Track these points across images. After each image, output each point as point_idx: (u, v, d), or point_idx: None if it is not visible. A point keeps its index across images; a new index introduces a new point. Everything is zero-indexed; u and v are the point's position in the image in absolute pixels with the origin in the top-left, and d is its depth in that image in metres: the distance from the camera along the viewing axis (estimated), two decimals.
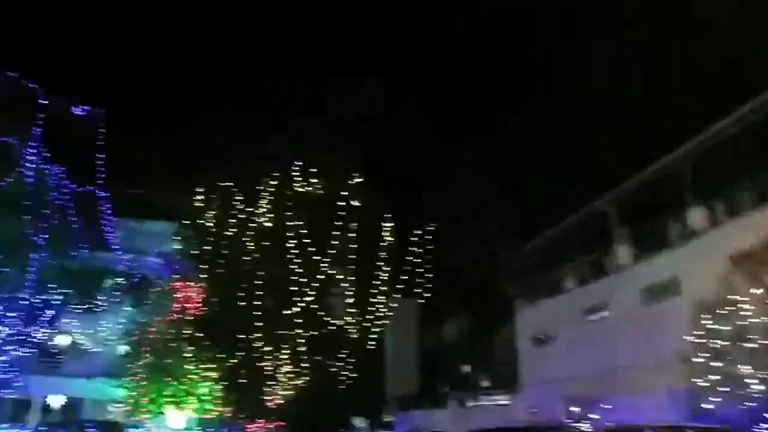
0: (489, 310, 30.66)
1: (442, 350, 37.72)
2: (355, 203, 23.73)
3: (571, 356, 22.83)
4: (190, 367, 27.12)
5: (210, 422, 29.13)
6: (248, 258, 23.39)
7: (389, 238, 24.41)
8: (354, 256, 23.34)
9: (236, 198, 24.43)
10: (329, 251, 23.17)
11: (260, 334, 22.69)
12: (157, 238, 33.17)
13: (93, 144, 31.14)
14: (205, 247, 24.70)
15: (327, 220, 23.18)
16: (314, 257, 22.98)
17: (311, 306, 23.19)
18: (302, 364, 23.59)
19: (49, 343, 31.22)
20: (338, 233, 23.25)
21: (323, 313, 23.53)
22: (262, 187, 23.91)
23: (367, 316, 24.26)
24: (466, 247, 30.82)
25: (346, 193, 23.55)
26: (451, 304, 33.52)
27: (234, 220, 23.92)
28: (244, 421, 27.59)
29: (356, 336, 24.23)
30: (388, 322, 25.46)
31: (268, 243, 23.16)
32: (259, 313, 22.57)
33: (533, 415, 24.92)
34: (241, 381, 23.54)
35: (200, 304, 25.73)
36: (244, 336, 22.86)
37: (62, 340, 32.66)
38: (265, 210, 23.88)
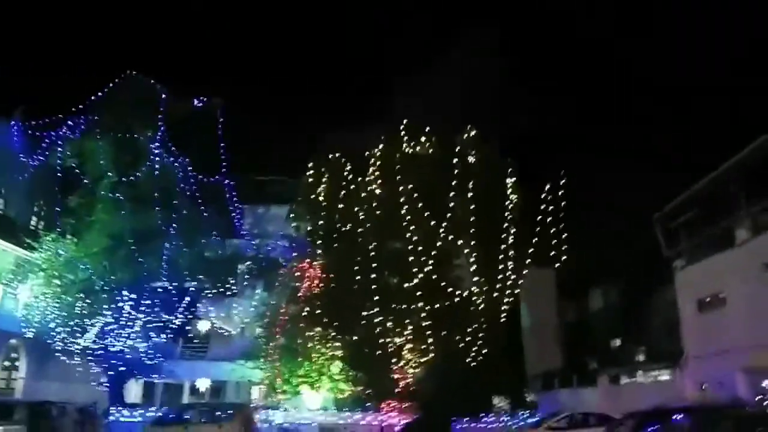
0: (641, 273, 25.62)
1: (587, 322, 33.10)
2: (472, 159, 20.45)
3: (752, 319, 17.92)
4: (318, 347, 25.66)
5: (345, 402, 27.48)
6: (362, 229, 21.05)
7: (514, 196, 20.89)
8: (475, 219, 20.10)
9: (346, 169, 22.21)
10: (447, 215, 20.12)
11: (379, 309, 20.27)
12: (282, 221, 32.07)
13: (215, 134, 30.57)
14: (319, 223, 22.76)
15: (442, 182, 20.14)
16: (431, 223, 20.08)
17: (432, 277, 20.32)
18: (428, 340, 20.81)
19: (188, 328, 31.19)
20: (456, 195, 20.12)
21: (445, 284, 20.56)
22: (369, 152, 21.43)
23: (496, 286, 20.93)
24: (606, 203, 26.07)
25: (460, 149, 20.31)
26: (595, 269, 28.82)
27: (344, 192, 21.71)
28: (376, 402, 25.60)
29: (484, 308, 21.02)
30: (519, 290, 21.93)
31: (380, 212, 20.63)
32: (376, 286, 20.15)
33: (703, 392, 20.25)
34: (365, 359, 21.32)
35: (321, 282, 23.93)
36: (364, 312, 20.60)
37: (202, 326, 32.71)
38: (374, 177, 21.39)
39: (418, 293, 20.45)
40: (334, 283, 22.38)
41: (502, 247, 20.80)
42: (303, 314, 24.01)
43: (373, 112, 21.90)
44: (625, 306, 28.88)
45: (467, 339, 21.22)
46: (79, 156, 27.96)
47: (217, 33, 77.27)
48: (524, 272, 21.70)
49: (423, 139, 20.84)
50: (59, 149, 27.95)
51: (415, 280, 20.36)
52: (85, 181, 27.81)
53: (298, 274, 26.75)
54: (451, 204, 20.07)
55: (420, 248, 20.14)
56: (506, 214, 20.66)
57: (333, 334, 23.02)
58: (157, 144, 28.69)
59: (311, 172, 23.30)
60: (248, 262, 31.19)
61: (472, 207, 20.02)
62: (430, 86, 19.89)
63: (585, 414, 20.81)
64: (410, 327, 21.03)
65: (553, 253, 21.34)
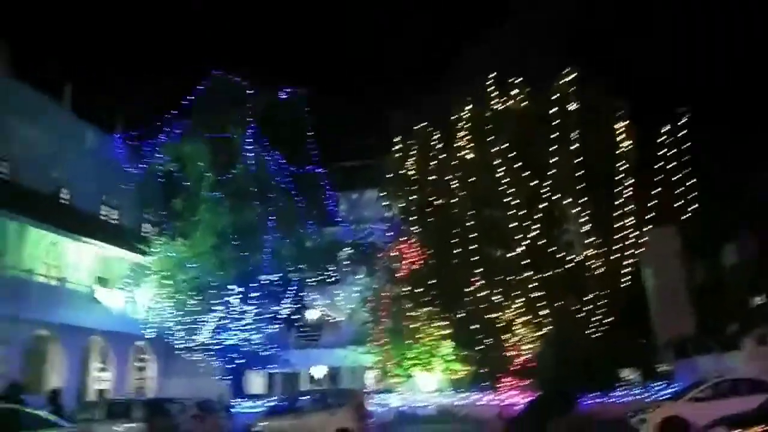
0: None
1: (720, 281, 28.88)
2: (573, 106, 17.66)
3: None
4: (425, 327, 24.00)
5: (459, 383, 25.65)
6: (455, 200, 18.97)
7: (627, 143, 17.88)
8: (583, 173, 17.34)
9: (433, 138, 20.19)
10: (550, 173, 17.51)
11: (484, 283, 18.14)
12: (378, 205, 30.69)
13: (302, 124, 29.73)
14: (411, 198, 20.95)
15: (541, 136, 17.55)
16: (532, 183, 17.58)
17: (539, 243, 17.85)
18: (541, 312, 18.38)
19: (297, 318, 30.68)
20: (558, 149, 17.45)
21: (555, 250, 17.99)
22: (456, 116, 19.24)
23: (614, 247, 18.06)
24: (735, 143, 22.01)
25: (558, 96, 17.56)
26: (727, 221, 24.69)
27: (434, 162, 19.72)
28: (491, 381, 23.52)
29: (603, 273, 18.22)
30: (641, 250, 18.89)
31: (473, 178, 18.42)
32: (477, 259, 18.02)
33: None
34: (474, 336, 19.32)
35: (420, 261, 22.15)
36: (466, 287, 18.55)
37: (311, 315, 32.16)
38: (464, 142, 19.18)
39: (525, 262, 18.03)
40: (433, 260, 20.46)
41: (617, 202, 17.85)
42: (404, 295, 22.31)
43: (456, 72, 19.56)
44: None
45: (586, 308, 18.51)
46: (179, 160, 28.06)
47: (281, 23, 77.40)
48: (645, 229, 18.59)
49: (514, 92, 18.30)
50: (159, 156, 28.18)
51: (520, 249, 17.94)
52: (186, 183, 27.87)
53: (397, 254, 25.22)
54: (553, 159, 17.39)
55: (522, 212, 17.71)
56: (619, 164, 17.69)
57: (438, 312, 21.16)
58: (249, 140, 28.21)
59: (398, 146, 21.46)
60: (347, 248, 30.18)
61: (578, 160, 17.26)
62: (513, 30, 17.30)
63: (734, 381, 17.43)
64: (520, 299, 18.67)
65: (677, 204, 18.10)
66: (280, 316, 28.37)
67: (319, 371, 33.12)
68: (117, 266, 29.34)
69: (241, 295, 26.55)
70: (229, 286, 26.44)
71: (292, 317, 29.62)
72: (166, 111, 28.20)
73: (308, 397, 22.46)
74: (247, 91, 28.24)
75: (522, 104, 18.35)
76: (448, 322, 21.23)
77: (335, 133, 31.80)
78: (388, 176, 22.10)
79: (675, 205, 18.28)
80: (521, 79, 18.25)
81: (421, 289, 20.27)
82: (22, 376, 22.06)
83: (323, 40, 79.64)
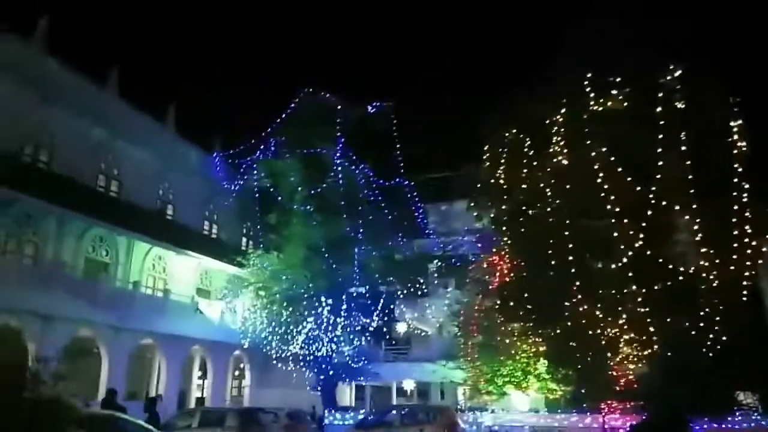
0: None
1: None
2: (680, 105, 16.00)
3: None
4: (519, 343, 22.66)
5: (557, 403, 24.00)
6: (551, 209, 17.73)
7: (742, 144, 15.98)
8: (694, 177, 15.61)
9: (525, 145, 19.09)
10: (657, 177, 15.91)
11: (583, 297, 16.73)
12: (467, 216, 29.76)
13: (390, 137, 29.51)
14: (503, 208, 19.89)
15: (645, 138, 16.01)
16: (636, 189, 16.05)
17: (646, 254, 16.22)
18: (649, 329, 16.67)
19: (387, 330, 30.16)
20: (665, 151, 15.83)
21: (663, 261, 16.28)
22: (550, 120, 18.05)
23: (732, 257, 16.12)
24: None
25: (664, 94, 15.96)
26: None
27: (525, 170, 18.60)
28: (593, 402, 21.76)
29: (718, 286, 16.29)
30: (760, 261, 16.77)
31: (570, 185, 17.12)
32: (576, 271, 16.66)
33: None
34: (572, 355, 17.88)
35: (511, 273, 20.95)
36: (564, 302, 17.20)
37: (401, 328, 31.55)
38: (560, 147, 17.93)
39: (630, 275, 16.44)
40: (526, 272, 19.23)
41: (732, 209, 15.93)
42: (496, 308, 21.16)
43: (549, 74, 18.38)
44: None
45: (700, 325, 16.60)
46: (273, 176, 28.64)
47: (367, 37, 78.10)
48: (766, 237, 16.49)
49: (614, 92, 16.87)
50: (254, 172, 28.89)
51: (624, 260, 16.39)
52: (279, 198, 28.36)
53: (488, 267, 24.10)
54: (660, 163, 15.79)
55: (625, 221, 16.18)
56: (733, 167, 15.80)
57: (532, 328, 19.86)
58: (338, 154, 28.33)
59: (487, 155, 20.52)
60: (437, 261, 29.41)
61: (688, 164, 15.57)
62: (610, 25, 15.90)
63: None
64: (624, 315, 17.05)
65: None
66: (369, 329, 28.03)
67: (408, 385, 32.37)
68: (216, 278, 30.30)
69: (330, 307, 26.49)
70: (319, 298, 26.45)
71: (382, 330, 29.18)
72: (261, 129, 28.95)
73: (398, 411, 21.81)
74: (336, 106, 28.41)
75: (623, 104, 16.86)
76: (543, 339, 19.85)
77: (423, 145, 31.34)
78: (477, 186, 21.12)
79: None
80: (620, 78, 16.75)
81: (514, 303, 19.05)
82: (127, 383, 23.01)
83: (408, 50, 79.89)
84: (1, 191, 19.11)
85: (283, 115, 28.71)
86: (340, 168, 28.11)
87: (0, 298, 17.82)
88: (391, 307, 29.18)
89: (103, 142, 24.85)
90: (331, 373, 28.19)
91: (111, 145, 25.22)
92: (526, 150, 19.02)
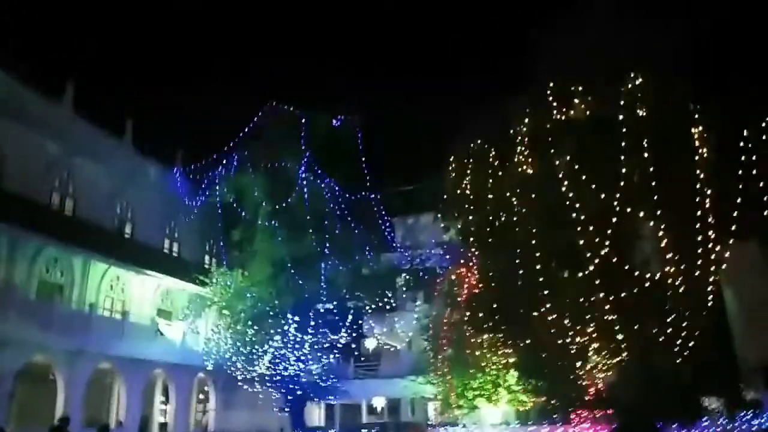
0: None
1: None
2: (642, 112, 16.09)
3: None
4: (489, 356, 22.39)
5: (527, 415, 23.78)
6: (516, 218, 17.58)
7: (703, 150, 16.15)
8: (657, 184, 15.66)
9: (490, 155, 18.98)
10: (620, 184, 15.92)
11: (551, 306, 16.55)
12: (435, 228, 29.58)
13: (355, 150, 29.19)
14: (469, 218, 19.68)
15: (608, 146, 16.04)
16: (600, 196, 16.02)
17: (611, 260, 16.17)
18: (617, 337, 16.57)
19: (356, 347, 29.57)
20: (627, 158, 15.87)
21: (629, 268, 16.25)
22: (513, 131, 17.98)
23: (696, 262, 16.18)
24: None
25: (625, 101, 16.05)
26: None
27: (491, 180, 18.46)
28: (562, 413, 21.58)
29: (684, 291, 16.32)
30: (724, 266, 16.91)
31: (535, 194, 17.02)
32: (543, 281, 16.49)
33: None
34: (542, 365, 17.65)
35: (479, 285, 20.71)
36: (533, 312, 16.99)
37: (369, 344, 31.00)
38: (524, 156, 17.85)
39: (597, 282, 16.35)
40: (494, 283, 19.00)
41: (698, 214, 16.04)
42: (465, 321, 20.87)
43: (509, 86, 18.49)
44: None
45: (667, 331, 16.58)
46: (236, 191, 27.97)
47: (329, 48, 78.27)
48: (729, 243, 16.62)
49: (576, 100, 16.91)
50: (217, 188, 28.17)
51: (590, 268, 16.30)
52: (243, 214, 27.69)
53: (456, 279, 23.84)
54: (624, 170, 15.82)
55: (591, 228, 16.13)
56: (697, 172, 15.93)
57: (502, 339, 19.60)
58: (303, 168, 27.85)
59: (453, 166, 20.34)
60: (405, 275, 29.09)
61: (651, 170, 15.64)
62: (569, 33, 15.96)
63: None
64: (592, 323, 16.93)
65: (762, 215, 16.14)
66: (338, 346, 27.42)
67: (378, 402, 31.79)
68: (178, 298, 29.29)
69: (297, 324, 25.83)
70: (286, 315, 25.77)
71: (351, 346, 28.59)
72: (224, 144, 28.28)
73: (369, 429, 21.29)
74: (301, 120, 28.00)
75: (585, 112, 16.91)
76: (513, 350, 19.60)
77: (389, 158, 31.13)
78: (444, 197, 20.91)
79: (763, 217, 16.26)
80: (582, 86, 16.80)
81: (483, 315, 18.76)
82: (85, 410, 21.85)
83: (374, 62, 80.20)
84: None
85: (246, 129, 28.11)
86: (305, 182, 27.61)
87: None
88: (360, 322, 28.69)
89: (57, 158, 23.86)
90: (299, 392, 27.41)
91: (66, 162, 24.23)
92: (491, 160, 18.89)
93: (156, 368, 26.46)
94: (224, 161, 28.24)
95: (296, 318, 25.73)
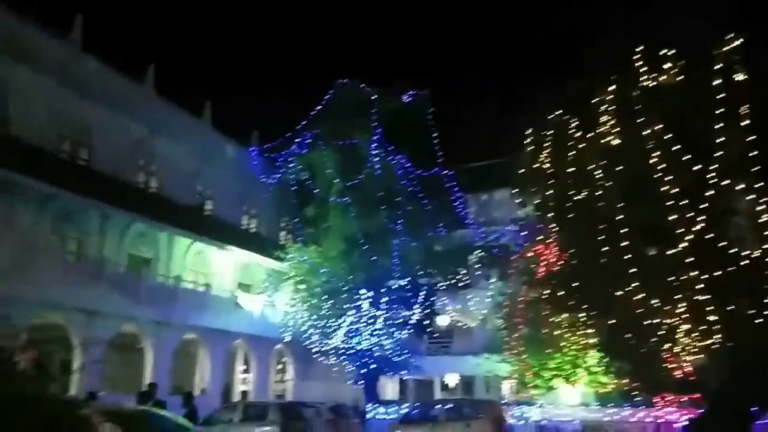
0: None
1: None
2: (740, 77, 14.70)
3: None
4: (567, 335, 21.63)
5: (608, 397, 22.91)
6: (600, 192, 16.64)
7: None
8: (758, 153, 14.32)
9: (570, 126, 18.00)
10: (716, 155, 14.67)
11: (637, 284, 15.62)
12: (509, 205, 28.77)
13: (426, 126, 28.76)
14: (548, 193, 18.85)
15: (702, 114, 14.79)
16: (693, 168, 14.85)
17: (704, 237, 15.01)
18: (708, 318, 15.45)
19: (428, 323, 29.41)
20: (724, 126, 14.57)
21: (725, 245, 15.04)
22: (597, 100, 16.92)
23: None
24: None
25: (723, 66, 14.68)
26: None
27: (571, 153, 17.53)
28: (645, 396, 20.62)
29: None
30: None
31: (621, 167, 16.00)
32: (630, 258, 15.56)
33: None
34: (626, 346, 16.78)
35: (559, 262, 19.90)
36: (617, 290, 16.12)
37: (442, 320, 30.81)
38: (609, 127, 16.80)
39: (688, 260, 15.26)
40: (575, 261, 18.17)
41: None
42: (543, 299, 20.18)
43: (592, 49, 17.37)
44: None
45: (764, 313, 15.30)
46: (309, 169, 28.29)
47: (401, 24, 77.04)
48: None
49: (667, 65, 15.66)
50: (291, 165, 28.58)
51: (682, 245, 15.21)
52: (317, 191, 27.99)
53: (533, 256, 23.08)
54: (719, 139, 14.56)
55: (683, 203, 15.01)
56: None
57: (583, 319, 18.80)
58: (375, 145, 27.75)
59: (531, 138, 19.50)
60: (478, 251, 28.55)
61: (751, 138, 14.31)
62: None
63: None
64: (683, 304, 15.88)
65: None
66: (410, 322, 27.40)
67: (452, 379, 31.63)
68: (256, 272, 30.17)
69: (371, 300, 26.00)
70: (359, 291, 25.97)
71: (423, 323, 28.50)
72: (297, 122, 28.58)
73: (443, 406, 21.18)
74: (372, 97, 27.81)
75: (677, 78, 15.64)
76: (594, 330, 18.77)
77: (462, 133, 30.47)
78: (520, 172, 20.13)
79: None
80: (673, 50, 15.51)
81: (563, 293, 18.02)
82: (172, 378, 22.99)
83: (445, 35, 78.67)
84: (41, 187, 19.15)
85: (319, 107, 28.27)
86: (376, 159, 27.52)
87: (45, 294, 17.88)
88: (432, 299, 28.50)
89: (142, 139, 24.87)
90: (372, 366, 27.71)
91: (150, 142, 25.22)
92: (572, 131, 17.92)
93: (237, 339, 27.46)
94: (297, 139, 28.56)
95: (369, 293, 25.91)
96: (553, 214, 19.01)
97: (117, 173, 22.53)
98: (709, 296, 15.46)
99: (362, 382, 28.22)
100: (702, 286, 15.26)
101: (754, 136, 14.39)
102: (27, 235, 18.86)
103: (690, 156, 14.95)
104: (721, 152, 14.72)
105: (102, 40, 32.80)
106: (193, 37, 68.86)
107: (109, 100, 22.75)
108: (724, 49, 14.71)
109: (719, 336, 16.13)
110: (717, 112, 14.57)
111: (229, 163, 29.53)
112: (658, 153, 15.13)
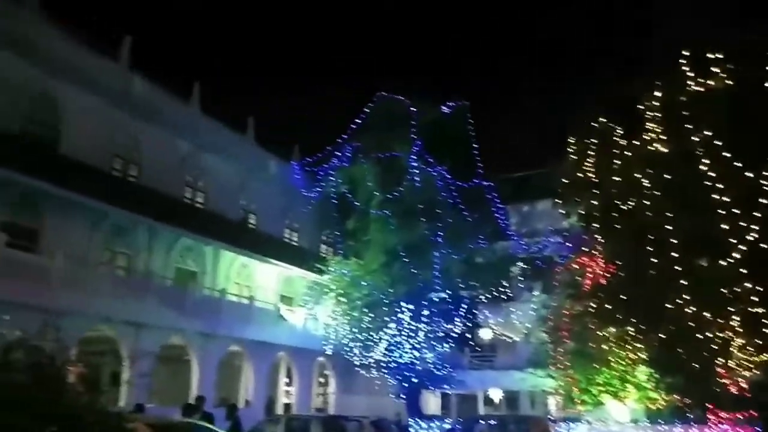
0: None
1: None
2: None
3: None
4: (616, 349, 20.94)
5: (659, 414, 22.03)
6: (647, 201, 16.16)
7: None
8: None
9: (615, 133, 17.60)
10: None
11: (688, 297, 15.04)
12: (552, 216, 28.22)
13: (466, 138, 28.57)
14: (593, 202, 18.42)
15: (754, 118, 14.22)
16: (747, 176, 14.26)
17: (759, 247, 14.38)
18: (764, 331, 14.74)
19: (470, 337, 28.98)
20: None
21: None
22: (643, 106, 16.49)
23: None
24: None
25: None
26: None
27: (616, 161, 17.10)
28: (698, 413, 19.74)
29: None
30: None
31: (668, 175, 15.51)
32: (679, 270, 15.02)
33: None
34: (677, 361, 16.15)
35: (606, 274, 19.36)
36: (667, 303, 15.57)
37: (485, 334, 30.31)
38: (655, 134, 16.34)
39: (742, 272, 14.63)
40: (622, 272, 17.66)
41: None
42: (590, 312, 19.63)
43: (636, 54, 16.95)
44: None
45: None
46: (350, 182, 28.41)
47: (439, 37, 77.08)
48: None
49: (716, 68, 15.15)
50: (332, 179, 28.79)
51: (735, 255, 14.61)
52: (356, 204, 28.08)
53: (578, 267, 22.51)
54: None
55: (736, 212, 14.43)
56: None
57: (631, 332, 18.21)
58: (414, 157, 27.71)
59: (574, 146, 19.13)
60: (520, 264, 28.04)
61: None
62: None
63: None
64: (737, 317, 15.21)
65: None
66: (452, 335, 27.07)
67: (495, 394, 31.02)
68: (298, 285, 30.43)
69: (412, 313, 25.81)
70: (400, 304, 25.84)
71: (465, 336, 28.12)
72: (337, 135, 28.84)
73: (487, 421, 20.82)
74: (411, 109, 27.82)
75: (726, 81, 15.10)
76: (643, 344, 18.15)
77: (502, 143, 30.16)
78: (563, 181, 19.75)
79: None
80: (722, 53, 15.01)
81: (611, 306, 17.51)
82: (217, 390, 23.31)
83: (483, 46, 78.37)
84: (96, 205, 19.87)
85: (358, 121, 28.45)
86: (416, 171, 27.45)
87: (97, 308, 18.45)
88: (474, 312, 28.09)
89: (188, 155, 25.55)
90: (414, 380, 27.45)
91: (196, 158, 25.88)
92: (616, 138, 17.51)
93: (280, 351, 27.67)
94: (337, 153, 28.78)
95: (410, 306, 25.73)
96: (598, 224, 18.57)
97: (165, 189, 23.16)
98: (764, 309, 14.80)
99: (404, 396, 27.98)
100: (756, 298, 14.62)
101: None
102: (80, 250, 19.56)
103: (741, 163, 14.39)
104: None
105: (148, 58, 33.99)
106: (236, 53, 70.70)
107: (156, 118, 23.50)
108: None
109: None
110: None
111: (272, 178, 30.01)
112: (707, 160, 14.62)
